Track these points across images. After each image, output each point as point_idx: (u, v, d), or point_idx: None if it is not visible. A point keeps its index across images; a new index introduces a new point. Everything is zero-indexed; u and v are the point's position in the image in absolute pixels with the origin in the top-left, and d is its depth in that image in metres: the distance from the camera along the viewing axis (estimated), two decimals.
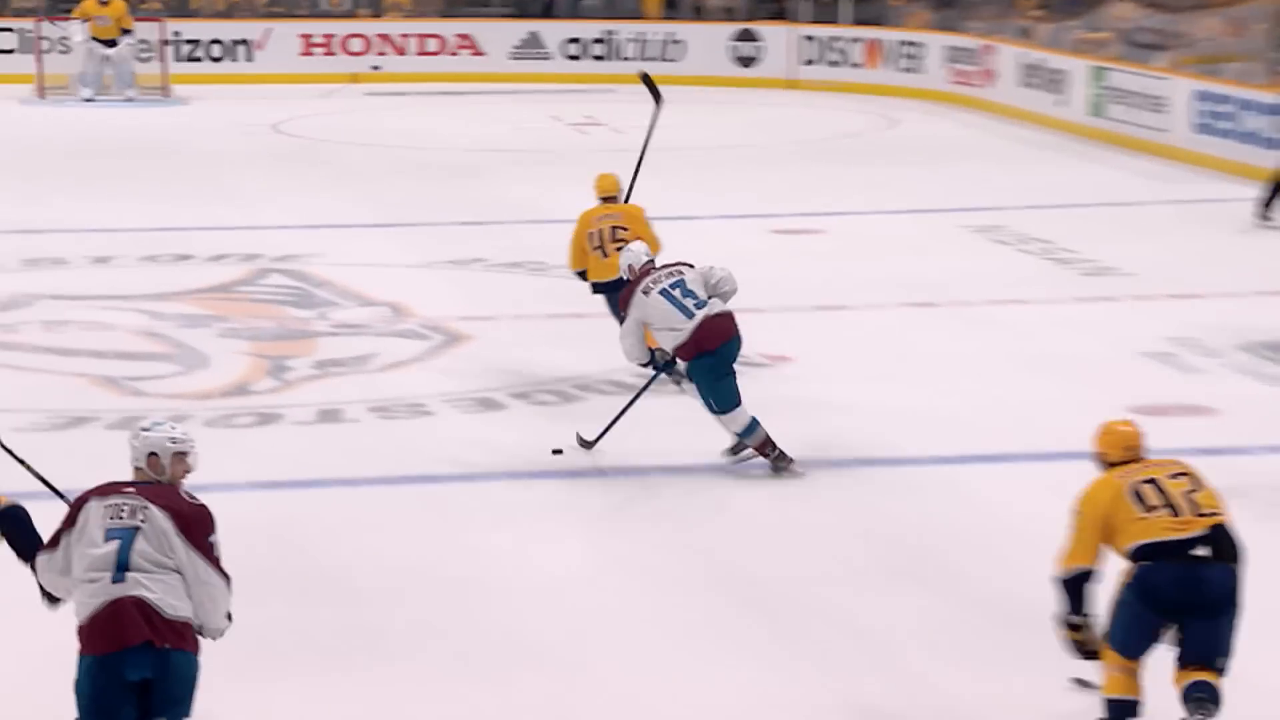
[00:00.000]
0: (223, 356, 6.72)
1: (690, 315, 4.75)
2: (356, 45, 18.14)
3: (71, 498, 2.43)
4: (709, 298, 4.88)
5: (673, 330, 4.82)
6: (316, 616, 3.74)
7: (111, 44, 16.03)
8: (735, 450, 5.04)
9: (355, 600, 3.89)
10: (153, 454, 2.36)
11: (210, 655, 2.35)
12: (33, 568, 2.38)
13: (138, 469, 2.39)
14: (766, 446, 4.90)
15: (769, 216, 10.27)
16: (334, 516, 4.73)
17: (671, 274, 4.96)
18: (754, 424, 4.88)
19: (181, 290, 8.06)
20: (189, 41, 17.68)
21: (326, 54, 18.03)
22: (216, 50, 18.03)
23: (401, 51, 18.70)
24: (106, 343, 6.93)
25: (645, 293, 4.89)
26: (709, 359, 4.81)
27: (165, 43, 16.94)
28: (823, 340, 7.12)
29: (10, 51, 17.62)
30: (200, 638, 2.26)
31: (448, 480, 5.15)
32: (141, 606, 2.11)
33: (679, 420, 5.43)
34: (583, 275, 6.24)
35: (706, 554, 4.36)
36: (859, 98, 16.58)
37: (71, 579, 2.22)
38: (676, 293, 4.82)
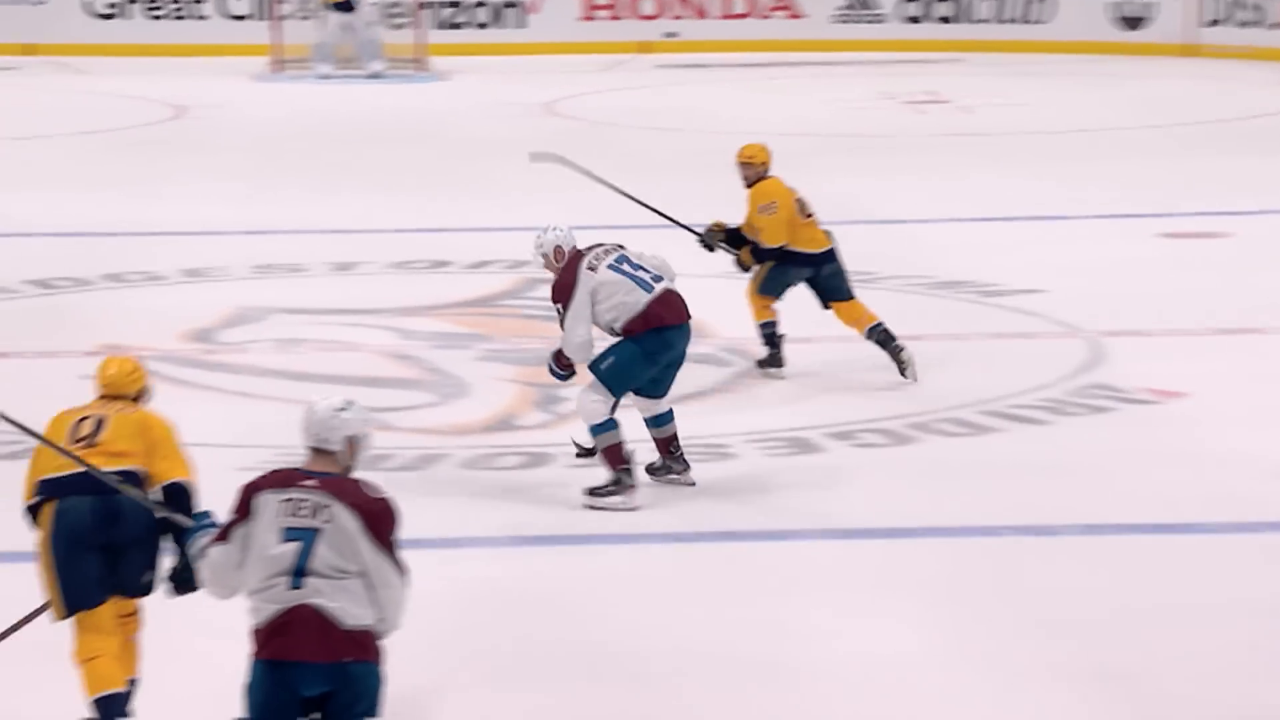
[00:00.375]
0: (484, 384, 7.38)
1: (649, 288, 5.42)
2: (648, 7, 18.94)
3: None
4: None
5: (625, 304, 5.38)
6: (589, 700, 3.92)
7: (347, 7, 16.37)
8: (587, 453, 5.53)
9: (635, 681, 4.06)
10: (353, 438, 2.69)
11: None
12: (192, 554, 2.84)
13: (318, 453, 2.69)
14: (617, 462, 5.31)
15: (1158, 216, 10.16)
16: (613, 578, 5.02)
17: (610, 250, 5.57)
18: (613, 424, 5.31)
19: (436, 304, 8.78)
20: (449, 4, 18.23)
21: (611, 18, 18.89)
22: (482, 15, 18.32)
23: (702, 14, 18.36)
24: (348, 366, 7.55)
25: (592, 268, 5.43)
26: (658, 337, 5.44)
27: (421, 5, 18.50)
28: (1224, 372, 7.03)
29: (242, 18, 18.60)
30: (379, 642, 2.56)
31: (751, 538, 5.45)
32: (319, 617, 2.44)
33: (1032, 468, 5.56)
34: (780, 253, 7.21)
35: (1068, 637, 4.29)
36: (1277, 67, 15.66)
37: (242, 577, 2.57)
38: (626, 266, 5.45)
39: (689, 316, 5.55)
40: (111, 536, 3.05)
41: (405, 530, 2.79)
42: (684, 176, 11.70)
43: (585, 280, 5.45)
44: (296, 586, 2.52)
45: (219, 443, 5.75)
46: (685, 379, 7.03)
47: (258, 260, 9.73)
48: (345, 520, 2.55)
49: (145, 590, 3.24)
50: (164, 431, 3.24)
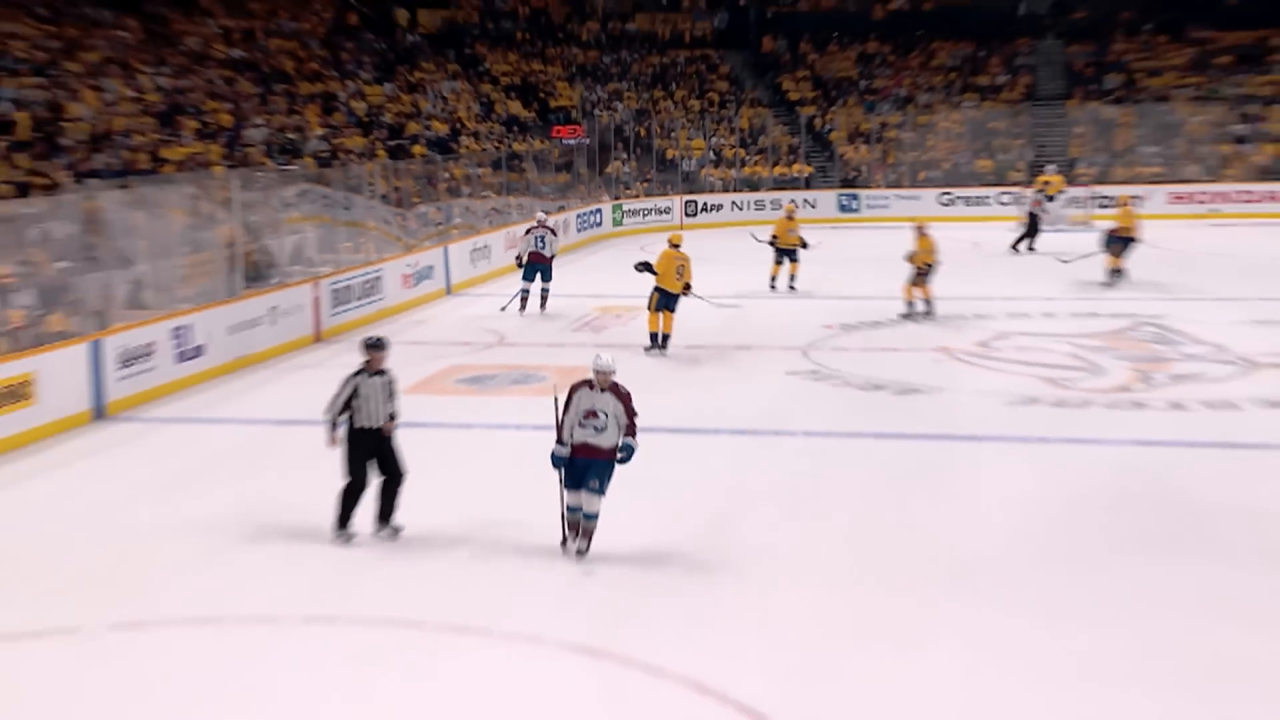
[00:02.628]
0: (1114, 368, 12.31)
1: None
2: None
3: None
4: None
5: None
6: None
7: None
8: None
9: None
10: (605, 372, 6.84)
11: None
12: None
13: (600, 374, 6.89)
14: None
15: None
16: (1205, 471, 8.57)
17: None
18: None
19: (1087, 332, 14.46)
20: None
21: None
22: None
23: None
24: (1048, 359, 13.01)
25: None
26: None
27: None
28: None
29: None
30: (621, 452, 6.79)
31: None
32: (595, 443, 6.78)
33: None
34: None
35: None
36: None
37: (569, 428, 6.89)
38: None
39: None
40: None
41: None
42: None
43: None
44: (597, 429, 6.82)
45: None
46: (1214, 372, 12.66)
47: None
48: (614, 403, 6.80)
49: None
50: None
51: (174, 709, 5.20)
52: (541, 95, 31.17)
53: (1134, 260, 18.64)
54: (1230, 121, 28.88)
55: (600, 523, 6.93)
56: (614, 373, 7.02)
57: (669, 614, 6.26)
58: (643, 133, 30.20)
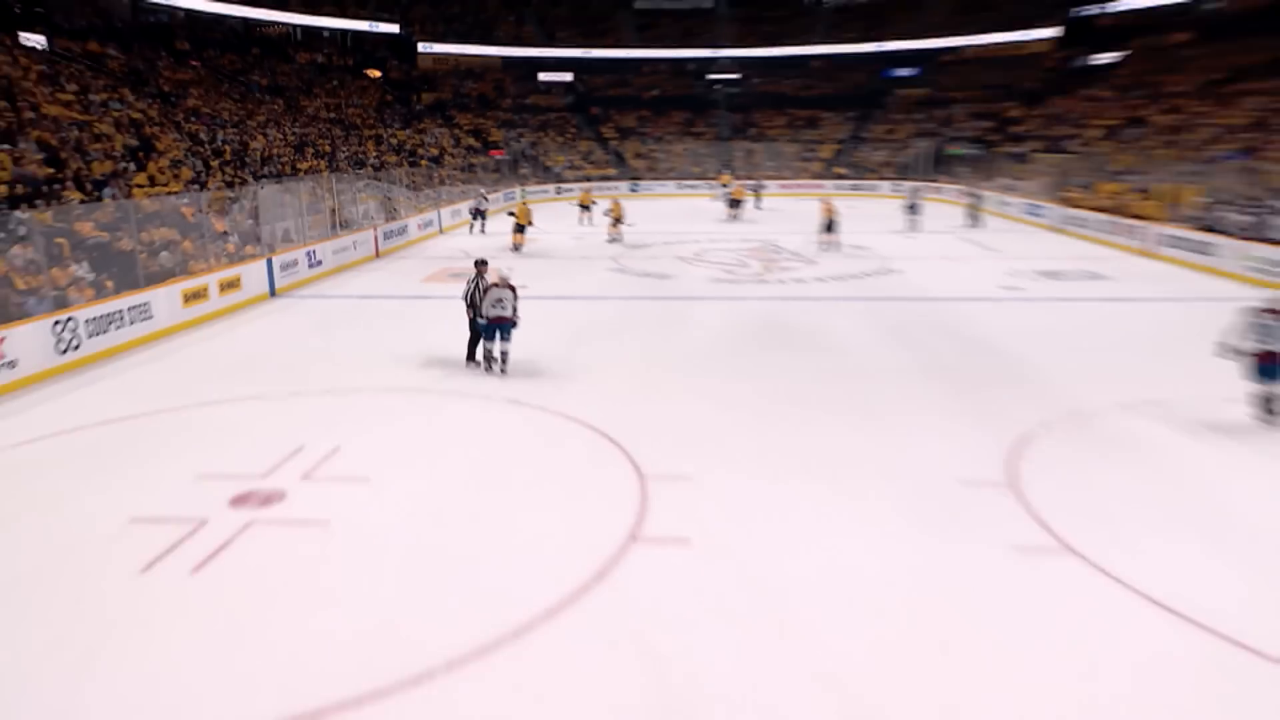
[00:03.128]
0: (753, 264, 20.97)
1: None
2: None
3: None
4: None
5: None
6: None
7: None
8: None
9: None
10: (504, 277, 11.83)
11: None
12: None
13: (502, 277, 11.83)
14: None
15: None
16: (793, 311, 17.40)
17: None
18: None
19: (740, 248, 23.44)
20: None
21: None
22: None
23: None
24: (724, 260, 21.74)
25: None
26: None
27: None
28: None
29: None
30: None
31: None
32: (502, 314, 11.68)
33: None
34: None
35: None
36: None
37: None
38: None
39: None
40: None
41: None
42: None
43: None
44: (501, 307, 11.76)
45: None
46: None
47: None
48: (509, 291, 11.77)
49: None
50: None
51: (383, 427, 10.15)
52: (484, 135, 52.00)
53: (753, 212, 35.78)
54: (803, 151, 51.50)
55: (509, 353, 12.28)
56: (509, 276, 11.98)
57: (549, 384, 11.64)
58: (535, 153, 51.01)
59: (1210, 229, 21.44)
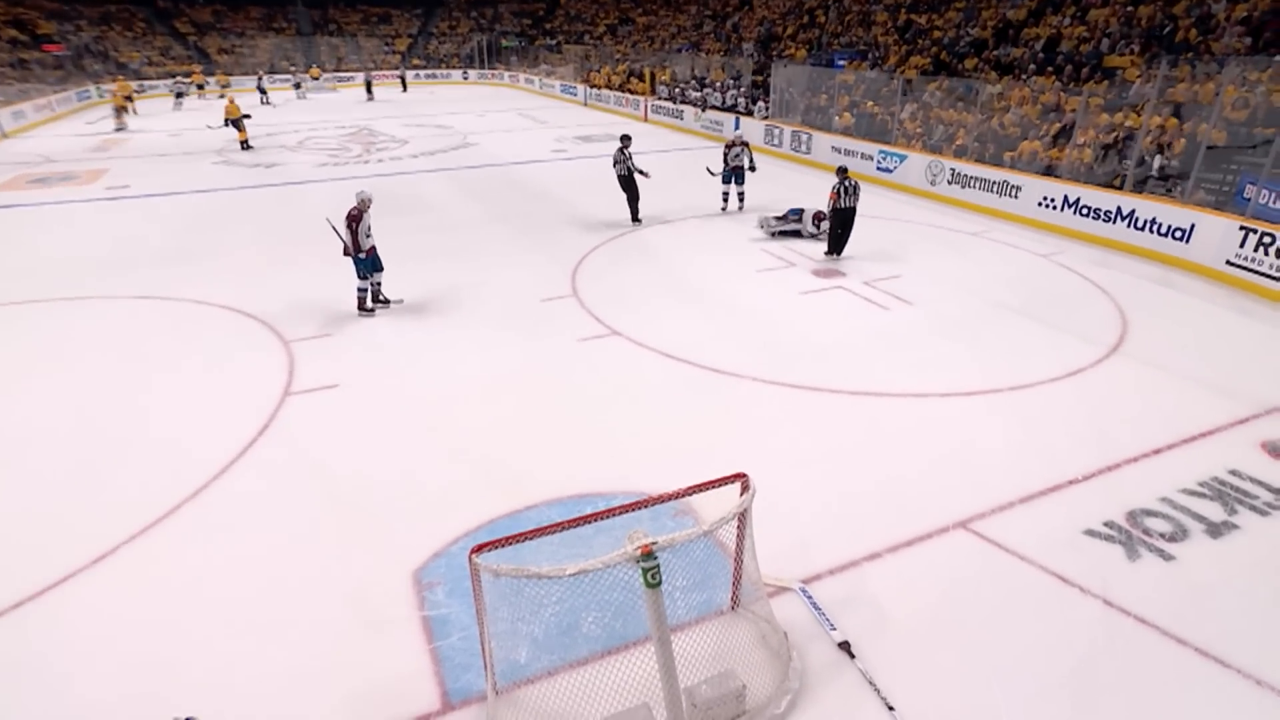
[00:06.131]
0: (355, 147, 18.91)
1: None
2: None
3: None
4: None
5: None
6: None
7: None
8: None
9: None
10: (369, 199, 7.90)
11: None
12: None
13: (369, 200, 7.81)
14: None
15: None
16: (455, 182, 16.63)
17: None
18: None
19: (342, 134, 20.65)
20: None
21: None
22: None
23: None
24: (330, 145, 19.34)
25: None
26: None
27: None
28: None
29: None
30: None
31: None
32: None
33: None
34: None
35: None
36: None
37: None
38: None
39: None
40: None
41: None
42: None
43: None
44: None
45: None
46: None
47: None
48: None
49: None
50: None
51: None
52: (30, 27, 35.08)
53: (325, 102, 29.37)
54: (381, 45, 44.90)
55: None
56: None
57: (177, 273, 10.18)
58: (104, 48, 35.94)
59: (676, 100, 23.79)
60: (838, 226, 10.33)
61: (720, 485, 3.78)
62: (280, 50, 44.55)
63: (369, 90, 34.33)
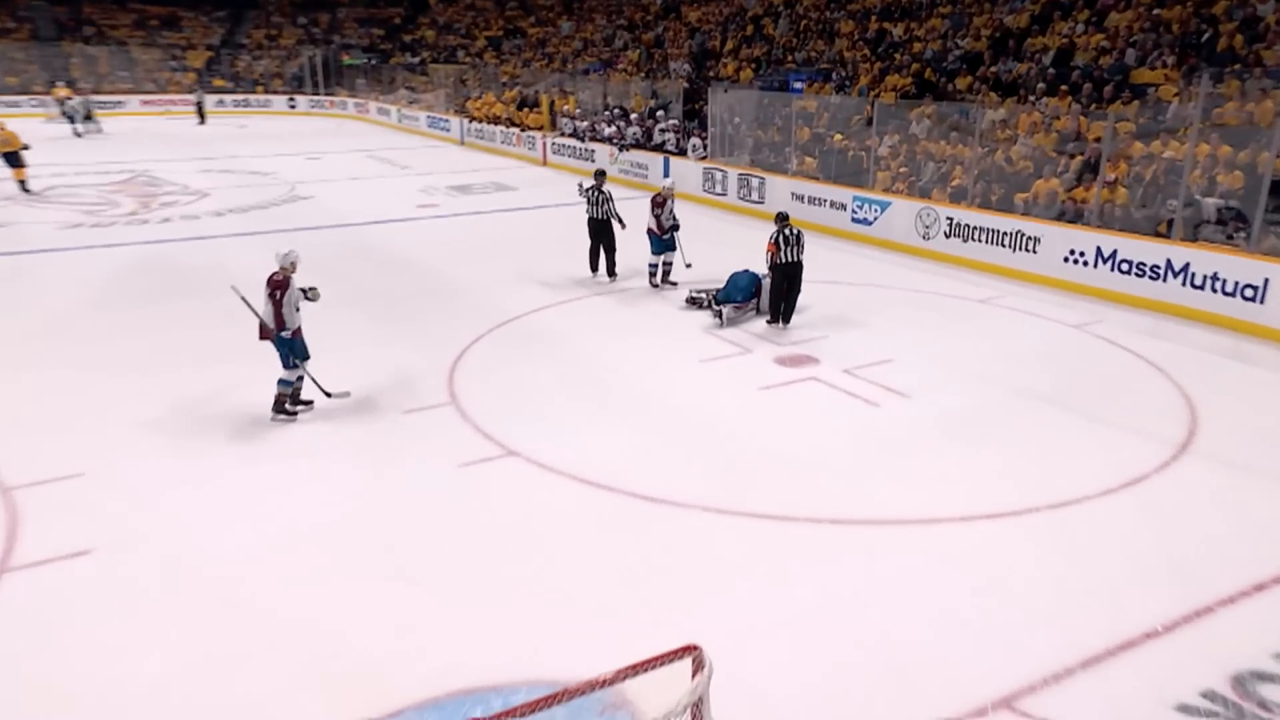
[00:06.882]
0: (126, 202, 18.66)
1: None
2: None
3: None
4: None
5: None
6: None
7: None
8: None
9: None
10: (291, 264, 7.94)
11: None
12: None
13: (282, 269, 7.87)
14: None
15: None
16: (186, 251, 16.44)
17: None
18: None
19: (105, 183, 20.45)
20: None
21: None
22: None
23: None
24: (87, 200, 19.00)
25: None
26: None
27: None
28: None
29: None
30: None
31: None
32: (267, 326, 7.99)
33: None
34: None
35: None
36: None
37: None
38: None
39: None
40: None
41: None
42: None
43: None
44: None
45: None
46: None
47: None
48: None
49: None
50: None
51: None
52: None
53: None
54: (167, 59, 47.21)
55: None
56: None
57: None
58: None
59: (584, 137, 24.68)
60: (782, 284, 10.78)
61: (664, 663, 3.68)
62: (5, 61, 43.18)
63: (200, 114, 35.32)
